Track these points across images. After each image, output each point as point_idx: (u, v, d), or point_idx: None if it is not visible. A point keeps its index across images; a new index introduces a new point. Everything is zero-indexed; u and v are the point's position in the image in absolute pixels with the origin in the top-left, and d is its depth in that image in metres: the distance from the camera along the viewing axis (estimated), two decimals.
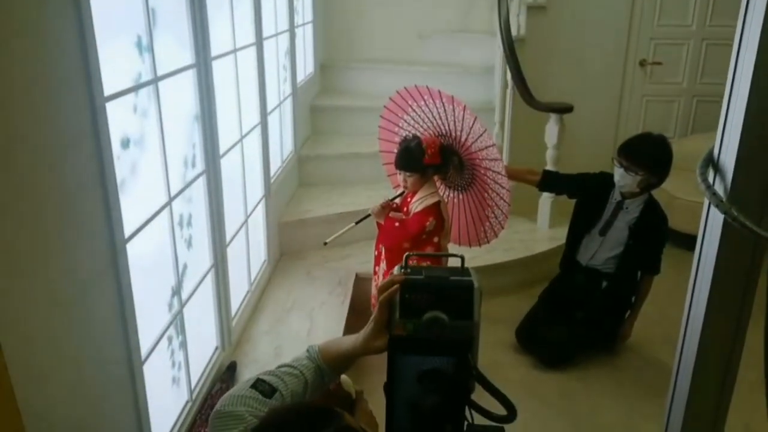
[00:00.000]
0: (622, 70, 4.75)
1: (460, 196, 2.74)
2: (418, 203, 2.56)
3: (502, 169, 2.53)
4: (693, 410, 1.22)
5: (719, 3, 4.56)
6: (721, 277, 1.10)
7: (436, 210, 2.54)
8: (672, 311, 3.10)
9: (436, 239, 2.57)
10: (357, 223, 2.62)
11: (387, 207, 2.61)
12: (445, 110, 2.54)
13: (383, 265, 2.67)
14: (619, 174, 2.74)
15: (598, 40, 4.56)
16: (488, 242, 2.79)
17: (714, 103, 4.21)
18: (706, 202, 1.06)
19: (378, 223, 2.67)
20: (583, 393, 2.75)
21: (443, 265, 2.49)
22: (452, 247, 2.77)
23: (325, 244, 2.61)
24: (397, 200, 2.66)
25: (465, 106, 2.48)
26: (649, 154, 2.72)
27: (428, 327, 0.97)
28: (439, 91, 2.54)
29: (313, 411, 0.89)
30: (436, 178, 2.65)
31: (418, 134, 2.65)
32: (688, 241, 3.51)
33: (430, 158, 2.49)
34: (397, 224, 2.58)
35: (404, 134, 2.71)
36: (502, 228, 2.72)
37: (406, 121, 2.71)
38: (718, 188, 1.04)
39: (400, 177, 2.55)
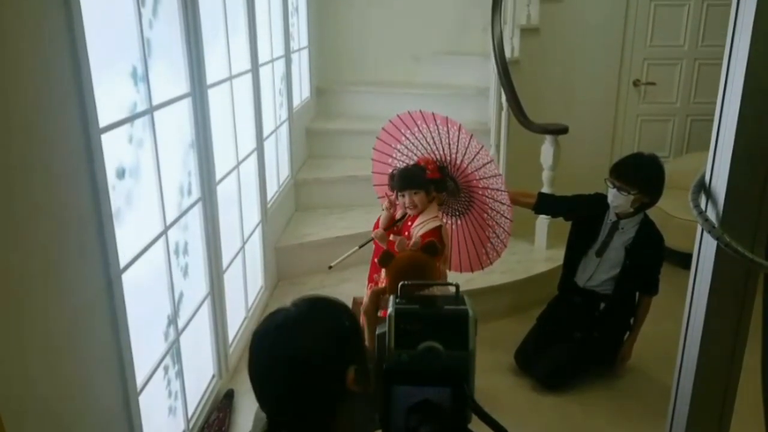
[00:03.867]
0: (616, 91, 4.78)
1: (459, 222, 2.72)
2: (419, 227, 2.55)
3: (502, 184, 2.52)
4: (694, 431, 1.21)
5: (711, 23, 4.60)
6: (716, 301, 1.10)
7: (437, 234, 2.53)
8: (671, 330, 3.06)
9: (437, 264, 2.56)
10: (360, 247, 2.60)
11: (390, 230, 2.60)
12: (439, 133, 2.54)
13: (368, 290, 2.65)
14: (612, 194, 2.75)
15: (591, 61, 4.60)
16: (491, 263, 2.77)
17: (708, 122, 4.22)
18: (699, 227, 1.06)
19: (378, 246, 2.65)
20: (583, 416, 2.72)
21: (439, 293, 2.47)
22: (454, 275, 2.75)
23: (330, 268, 2.59)
24: (398, 224, 2.65)
25: (460, 126, 2.48)
26: (640, 173, 2.73)
27: (423, 358, 0.96)
28: (433, 114, 2.54)
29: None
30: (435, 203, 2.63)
31: (412, 163, 2.65)
32: (685, 260, 3.51)
33: (432, 173, 2.50)
34: (392, 239, 2.56)
35: (398, 165, 2.70)
36: (505, 246, 2.70)
37: (399, 150, 2.69)
38: (710, 213, 1.04)
39: (405, 199, 2.52)
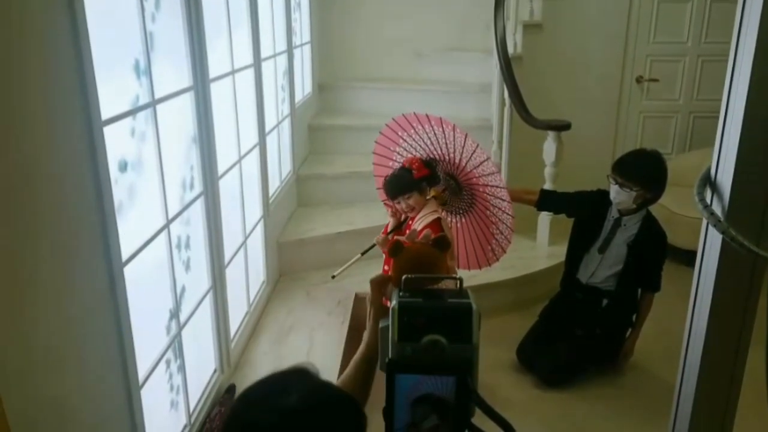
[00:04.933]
0: (618, 87, 4.77)
1: (463, 220, 2.72)
2: (419, 222, 2.55)
3: (501, 181, 2.52)
4: (696, 430, 1.21)
5: (714, 19, 4.59)
6: (720, 295, 1.09)
7: (437, 226, 2.52)
8: (674, 328, 3.06)
9: (446, 260, 2.55)
10: (363, 254, 2.60)
11: (393, 234, 2.59)
12: (435, 134, 2.54)
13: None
14: (614, 191, 2.74)
15: (594, 58, 4.59)
16: (497, 260, 2.78)
17: (711, 119, 4.23)
18: (705, 221, 1.06)
19: (384, 251, 2.65)
20: (585, 412, 2.72)
21: (443, 287, 2.47)
22: (460, 272, 2.75)
23: (333, 277, 2.60)
24: (400, 228, 2.64)
25: (454, 126, 2.48)
26: (642, 170, 2.73)
27: (427, 350, 0.96)
28: (427, 115, 2.53)
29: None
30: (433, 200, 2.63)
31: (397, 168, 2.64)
32: (688, 257, 3.50)
33: (418, 172, 2.49)
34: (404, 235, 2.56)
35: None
36: (509, 242, 2.71)
37: (399, 153, 2.70)
38: (716, 208, 1.04)
39: (401, 206, 2.53)
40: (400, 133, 2.65)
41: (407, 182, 2.48)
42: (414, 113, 2.58)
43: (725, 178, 1.02)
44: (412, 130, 2.60)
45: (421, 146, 2.61)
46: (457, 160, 2.54)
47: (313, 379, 0.98)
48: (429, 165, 2.53)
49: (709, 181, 1.06)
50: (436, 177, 2.58)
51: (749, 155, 1.00)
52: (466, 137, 2.46)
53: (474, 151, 2.48)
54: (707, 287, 1.10)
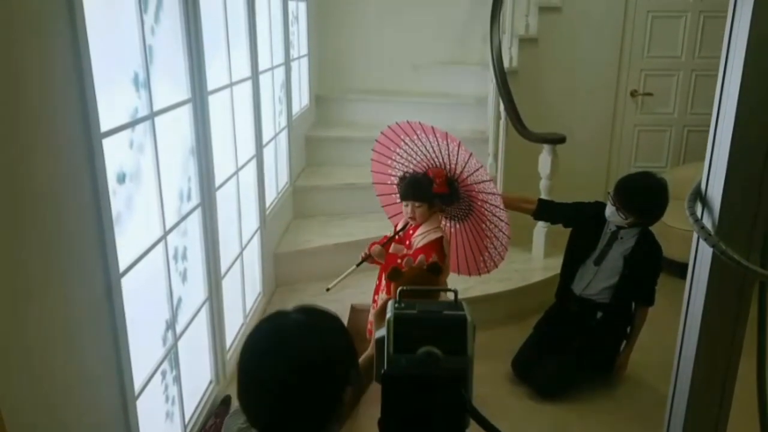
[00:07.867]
0: (613, 101, 4.81)
1: (458, 226, 2.74)
2: (421, 237, 2.56)
3: (500, 203, 2.54)
4: None
5: (707, 34, 4.64)
6: (711, 308, 1.11)
7: (438, 246, 2.53)
8: (668, 340, 3.07)
9: (442, 282, 2.56)
10: (357, 265, 2.60)
11: (389, 245, 2.60)
12: (438, 145, 2.56)
13: (383, 295, 2.66)
14: (609, 210, 2.76)
15: (589, 72, 4.62)
16: (488, 272, 2.79)
17: (705, 133, 4.24)
18: (695, 235, 1.08)
19: (387, 259, 2.66)
20: (580, 424, 2.73)
21: (438, 299, 2.49)
22: (450, 276, 2.77)
23: (328, 290, 2.60)
24: (400, 233, 2.65)
25: (460, 142, 2.50)
26: (640, 203, 2.70)
27: (422, 362, 0.97)
28: (433, 128, 2.55)
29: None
30: (438, 214, 2.64)
31: (411, 168, 2.66)
32: (681, 270, 3.52)
33: (438, 187, 2.51)
34: (399, 261, 2.56)
35: (398, 167, 2.71)
36: (502, 259, 2.72)
37: (399, 154, 2.71)
38: (707, 221, 1.05)
39: (407, 209, 2.54)
40: (402, 137, 2.67)
41: (425, 192, 2.49)
42: (419, 122, 2.60)
43: (715, 192, 1.04)
44: (415, 137, 2.62)
45: (423, 152, 2.62)
46: (458, 172, 2.56)
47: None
48: (451, 185, 2.55)
49: (699, 196, 1.08)
50: (451, 199, 2.60)
51: (739, 170, 1.02)
52: (470, 156, 2.48)
53: (477, 170, 2.51)
54: (698, 299, 1.11)
